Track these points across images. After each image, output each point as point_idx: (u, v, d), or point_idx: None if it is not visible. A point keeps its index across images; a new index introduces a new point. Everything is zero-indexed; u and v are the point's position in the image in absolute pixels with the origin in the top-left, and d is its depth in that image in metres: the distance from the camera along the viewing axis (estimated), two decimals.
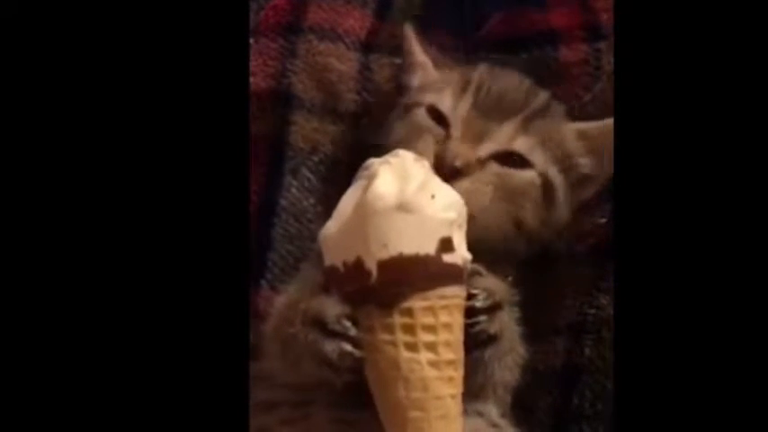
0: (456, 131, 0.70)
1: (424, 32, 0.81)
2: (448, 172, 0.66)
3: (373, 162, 0.62)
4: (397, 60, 0.83)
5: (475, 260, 0.62)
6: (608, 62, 0.79)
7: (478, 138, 0.69)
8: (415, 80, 0.77)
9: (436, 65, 0.78)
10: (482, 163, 0.69)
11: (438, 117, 0.71)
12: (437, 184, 0.61)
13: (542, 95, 0.74)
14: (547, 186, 0.71)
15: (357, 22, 0.85)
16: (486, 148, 0.69)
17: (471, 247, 0.62)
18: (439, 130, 0.70)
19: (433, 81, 0.76)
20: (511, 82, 0.74)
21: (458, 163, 0.67)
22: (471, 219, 0.65)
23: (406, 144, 0.68)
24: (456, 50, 0.82)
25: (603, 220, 0.74)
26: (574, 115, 0.76)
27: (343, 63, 0.83)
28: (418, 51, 0.78)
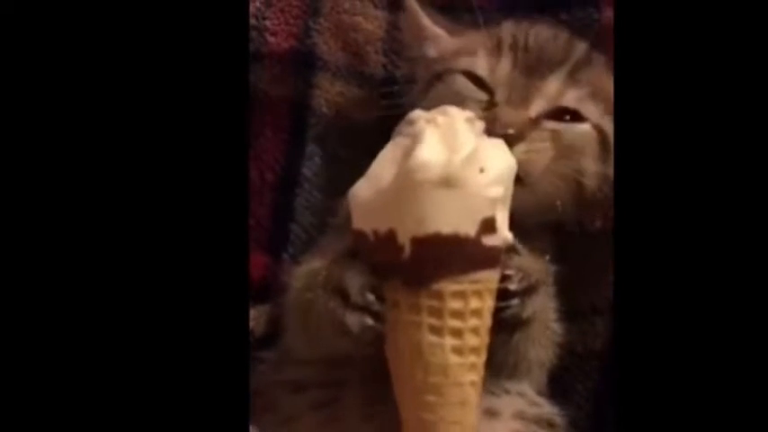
0: (501, 95, 0.65)
1: None
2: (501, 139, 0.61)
3: (419, 117, 0.57)
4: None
5: (525, 230, 0.59)
6: None
7: (525, 98, 0.65)
8: (432, 50, 0.72)
9: (451, 33, 0.72)
10: (534, 122, 0.64)
11: (478, 82, 0.67)
12: (487, 153, 0.55)
13: (581, 46, 0.70)
14: (603, 139, 0.66)
15: None
16: (535, 108, 0.65)
17: (530, 214, 0.58)
18: (481, 95, 0.66)
19: (457, 47, 0.70)
20: (545, 35, 0.69)
21: (510, 131, 0.62)
22: (533, 183, 0.62)
23: None
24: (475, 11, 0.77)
25: None
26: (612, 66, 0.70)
27: (370, 22, 0.79)
28: (428, 24, 0.73)
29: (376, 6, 0.79)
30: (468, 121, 0.57)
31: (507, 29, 0.70)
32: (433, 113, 0.57)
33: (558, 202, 0.65)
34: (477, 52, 0.68)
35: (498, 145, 0.58)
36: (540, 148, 0.64)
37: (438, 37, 0.72)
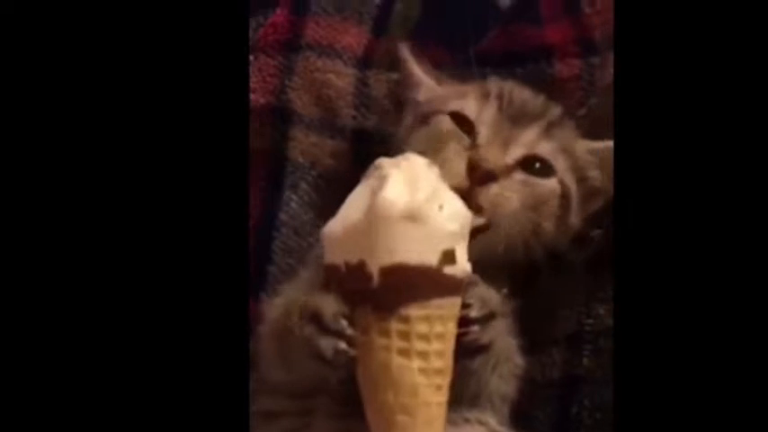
0: (483, 137, 0.70)
1: (421, 49, 0.82)
2: (481, 176, 0.67)
3: (383, 163, 0.62)
4: (394, 76, 0.83)
5: (484, 268, 0.63)
6: (601, 77, 0.80)
7: (506, 142, 0.70)
8: (420, 95, 0.78)
9: (439, 82, 0.78)
10: (509, 169, 0.69)
11: (463, 123, 0.72)
12: (445, 194, 0.61)
13: (556, 110, 0.75)
14: (565, 194, 0.72)
15: (354, 38, 0.86)
16: (513, 154, 0.70)
17: (488, 254, 0.63)
18: (464, 137, 0.71)
19: (446, 93, 0.76)
20: (527, 93, 0.75)
21: (491, 166, 0.67)
22: (495, 226, 0.67)
23: (432, 152, 0.67)
24: (455, 67, 0.83)
25: (599, 231, 0.75)
26: (580, 131, 0.77)
27: (340, 79, 0.84)
28: (418, 71, 0.79)
29: (345, 64, 0.84)
30: (428, 166, 0.62)
31: (494, 82, 0.75)
32: (397, 159, 0.62)
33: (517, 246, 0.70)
34: (467, 95, 0.74)
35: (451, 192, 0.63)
36: (508, 196, 0.68)
37: (426, 83, 0.78)
